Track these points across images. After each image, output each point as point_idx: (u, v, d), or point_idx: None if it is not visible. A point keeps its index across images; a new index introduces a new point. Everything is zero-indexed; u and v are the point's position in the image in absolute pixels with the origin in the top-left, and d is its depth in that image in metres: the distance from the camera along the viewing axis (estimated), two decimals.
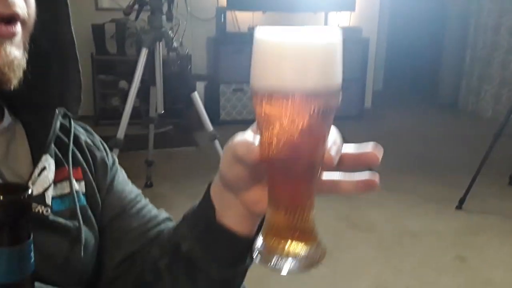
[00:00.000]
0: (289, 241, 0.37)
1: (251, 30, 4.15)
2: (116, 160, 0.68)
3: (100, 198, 0.62)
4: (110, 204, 0.63)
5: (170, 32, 2.06)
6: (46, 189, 0.52)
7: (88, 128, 0.67)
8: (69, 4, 0.59)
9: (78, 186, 0.58)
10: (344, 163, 0.38)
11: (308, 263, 0.37)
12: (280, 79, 0.33)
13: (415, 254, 2.05)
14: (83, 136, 0.64)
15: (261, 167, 0.38)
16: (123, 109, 3.86)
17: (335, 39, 0.34)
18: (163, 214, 0.66)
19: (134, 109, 2.24)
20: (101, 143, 0.66)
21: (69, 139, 0.58)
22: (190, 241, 0.50)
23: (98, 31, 3.84)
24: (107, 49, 3.92)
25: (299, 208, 0.37)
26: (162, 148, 3.24)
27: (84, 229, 0.56)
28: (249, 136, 0.39)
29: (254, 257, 0.39)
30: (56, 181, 0.55)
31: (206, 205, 0.48)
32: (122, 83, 3.91)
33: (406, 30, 5.77)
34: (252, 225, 0.47)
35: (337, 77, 0.34)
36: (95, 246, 0.60)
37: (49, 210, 0.52)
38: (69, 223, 0.55)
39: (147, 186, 2.66)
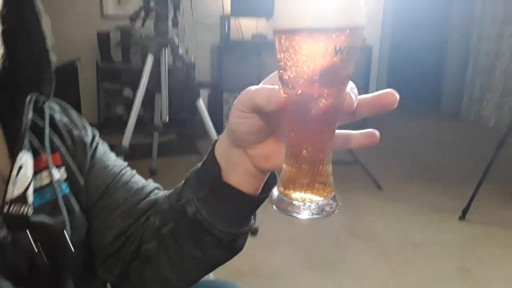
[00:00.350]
0: (307, 190, 0.38)
1: (254, 38, 4.18)
2: (96, 134, 0.65)
3: (83, 179, 0.60)
4: (94, 182, 0.61)
5: (175, 38, 2.07)
6: (26, 188, 0.50)
7: (63, 103, 0.64)
8: None
9: (58, 173, 0.56)
10: (362, 108, 0.38)
11: (323, 211, 0.38)
12: (307, 16, 0.32)
13: (418, 264, 2.04)
14: (59, 115, 0.60)
15: (278, 117, 0.38)
16: (127, 117, 3.90)
17: None
18: (151, 184, 0.65)
19: (138, 117, 2.25)
20: (77, 120, 0.63)
21: (45, 126, 0.55)
22: (196, 204, 0.49)
23: (103, 38, 3.87)
24: (112, 56, 3.95)
25: (320, 156, 0.38)
26: (165, 157, 3.25)
27: (69, 221, 0.54)
28: (266, 86, 0.38)
29: (271, 203, 0.39)
30: (34, 171, 0.52)
31: (211, 165, 0.47)
32: (127, 91, 3.93)
33: (409, 39, 5.80)
34: (258, 183, 0.47)
35: (360, 16, 0.34)
36: (83, 233, 0.58)
37: (31, 209, 0.50)
38: (52, 220, 0.52)
39: None
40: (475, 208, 2.44)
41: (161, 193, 0.64)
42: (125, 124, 3.79)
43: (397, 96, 0.38)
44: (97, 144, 0.64)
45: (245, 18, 4.12)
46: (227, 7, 4.02)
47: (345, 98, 0.36)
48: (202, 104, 2.15)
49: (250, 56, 4.00)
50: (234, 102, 0.41)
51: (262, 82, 0.41)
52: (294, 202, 0.38)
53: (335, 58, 0.33)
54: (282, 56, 0.35)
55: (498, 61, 4.62)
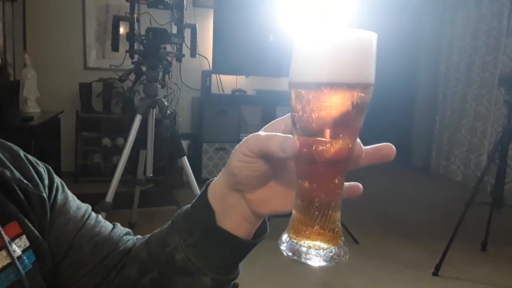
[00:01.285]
0: (318, 237, 0.38)
1: (234, 92, 4.34)
2: (55, 179, 0.59)
3: (46, 240, 0.55)
4: (56, 240, 0.55)
5: (164, 100, 2.16)
6: None
7: (13, 149, 0.57)
8: None
9: (20, 245, 0.51)
10: (364, 158, 0.40)
11: (333, 258, 0.38)
12: (332, 73, 0.35)
13: None
14: (9, 172, 0.53)
15: (281, 162, 0.40)
16: (105, 166, 3.91)
17: (370, 40, 0.36)
18: (119, 230, 0.60)
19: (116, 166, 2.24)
20: (33, 171, 0.57)
21: None
22: (185, 250, 0.47)
23: (85, 89, 3.93)
24: (92, 107, 3.99)
25: (331, 203, 0.39)
26: (144, 208, 3.24)
27: None
28: (278, 134, 0.39)
29: (280, 248, 0.39)
30: None
31: (204, 210, 0.46)
32: (106, 141, 3.95)
33: (377, 98, 6.08)
34: (252, 228, 0.46)
35: (373, 73, 0.37)
36: None
37: None
38: None
39: None
40: (447, 264, 2.53)
41: (132, 239, 0.60)
42: (102, 173, 3.80)
43: (394, 149, 0.41)
44: (56, 191, 0.58)
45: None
46: (209, 65, 4.18)
47: (356, 147, 0.38)
48: (186, 162, 2.21)
49: (229, 110, 4.12)
50: (238, 146, 0.41)
51: (263, 129, 0.42)
52: (305, 248, 0.38)
53: (351, 111, 0.36)
54: (299, 107, 0.37)
55: (463, 119, 4.92)
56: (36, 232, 0.53)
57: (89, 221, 0.59)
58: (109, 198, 2.09)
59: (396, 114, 6.15)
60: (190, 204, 0.49)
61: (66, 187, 0.61)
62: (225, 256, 0.47)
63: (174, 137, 2.21)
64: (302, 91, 0.36)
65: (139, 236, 0.60)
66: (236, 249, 0.47)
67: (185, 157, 2.22)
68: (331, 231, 0.39)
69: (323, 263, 0.38)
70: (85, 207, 0.61)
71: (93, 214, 0.61)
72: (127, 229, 0.62)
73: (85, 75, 4.03)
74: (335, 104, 0.35)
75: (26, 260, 0.51)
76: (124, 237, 0.60)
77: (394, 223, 3.42)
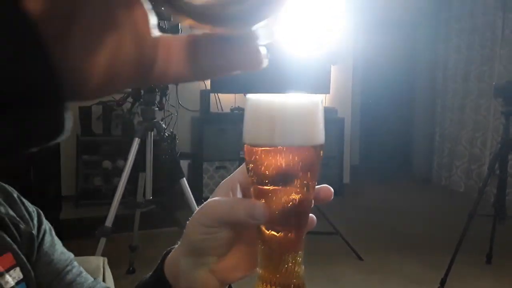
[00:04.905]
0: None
1: (233, 110, 4.35)
2: (44, 221, 0.61)
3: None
4: (36, 280, 0.55)
5: (162, 122, 2.17)
6: None
7: (6, 189, 0.59)
8: None
9: (14, 276, 0.52)
10: None
11: None
12: (283, 136, 0.37)
13: None
14: (3, 208, 0.56)
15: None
16: (106, 189, 3.90)
17: (316, 105, 0.39)
18: (98, 285, 0.59)
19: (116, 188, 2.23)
20: (24, 210, 0.59)
21: None
22: None
23: (84, 112, 3.95)
24: (92, 130, 4.00)
25: (296, 256, 0.39)
26: (144, 230, 3.21)
27: None
28: (239, 199, 0.40)
29: None
30: None
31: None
32: (106, 163, 3.95)
33: (377, 110, 6.14)
34: None
35: (320, 135, 0.39)
36: None
37: None
38: None
39: (129, 272, 2.62)
40: (452, 278, 2.49)
41: None
42: (103, 196, 3.79)
43: (331, 190, 0.41)
44: (44, 233, 0.60)
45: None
46: (207, 84, 4.21)
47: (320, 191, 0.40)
48: (185, 183, 2.21)
49: (228, 128, 4.13)
50: (194, 216, 0.40)
51: (216, 192, 0.42)
52: None
53: (304, 168, 0.37)
54: (255, 163, 0.38)
55: (462, 129, 4.92)
56: (29, 266, 0.54)
57: (70, 268, 0.59)
58: (108, 222, 2.08)
59: (396, 128, 6.17)
60: (148, 275, 0.46)
61: (53, 232, 0.62)
62: None
63: (173, 159, 2.22)
64: (257, 150, 0.38)
65: None
66: None
67: (184, 178, 2.21)
68: (297, 282, 0.39)
69: None
70: (68, 254, 0.62)
71: (76, 263, 0.61)
72: (107, 286, 0.61)
73: None
74: (287, 163, 0.37)
75: None
76: None
77: (397, 237, 3.39)
